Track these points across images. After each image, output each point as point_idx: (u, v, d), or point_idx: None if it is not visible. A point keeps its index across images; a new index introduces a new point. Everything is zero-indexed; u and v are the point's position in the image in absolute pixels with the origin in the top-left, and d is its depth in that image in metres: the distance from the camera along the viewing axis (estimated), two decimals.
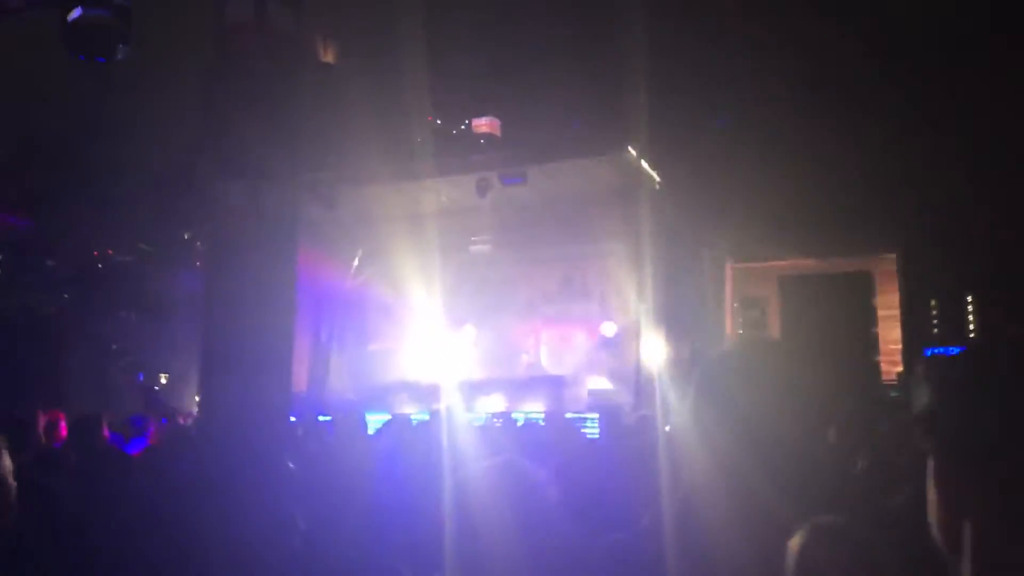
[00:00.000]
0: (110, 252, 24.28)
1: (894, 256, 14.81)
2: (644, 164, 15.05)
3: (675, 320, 15.88)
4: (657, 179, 15.60)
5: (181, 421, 11.48)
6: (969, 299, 16.20)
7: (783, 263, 16.93)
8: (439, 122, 21.07)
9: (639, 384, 15.16)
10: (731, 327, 17.46)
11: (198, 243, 22.32)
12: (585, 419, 12.98)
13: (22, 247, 20.61)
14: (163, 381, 23.34)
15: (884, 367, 13.92)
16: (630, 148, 14.69)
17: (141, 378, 20.00)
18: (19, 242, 20.64)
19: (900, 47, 11.29)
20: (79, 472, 5.27)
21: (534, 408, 14.33)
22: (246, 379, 7.64)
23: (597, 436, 13.02)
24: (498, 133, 19.96)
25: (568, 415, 13.19)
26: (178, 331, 20.94)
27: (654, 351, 15.31)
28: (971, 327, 15.97)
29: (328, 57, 16.92)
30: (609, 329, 17.46)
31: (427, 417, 13.24)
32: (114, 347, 22.56)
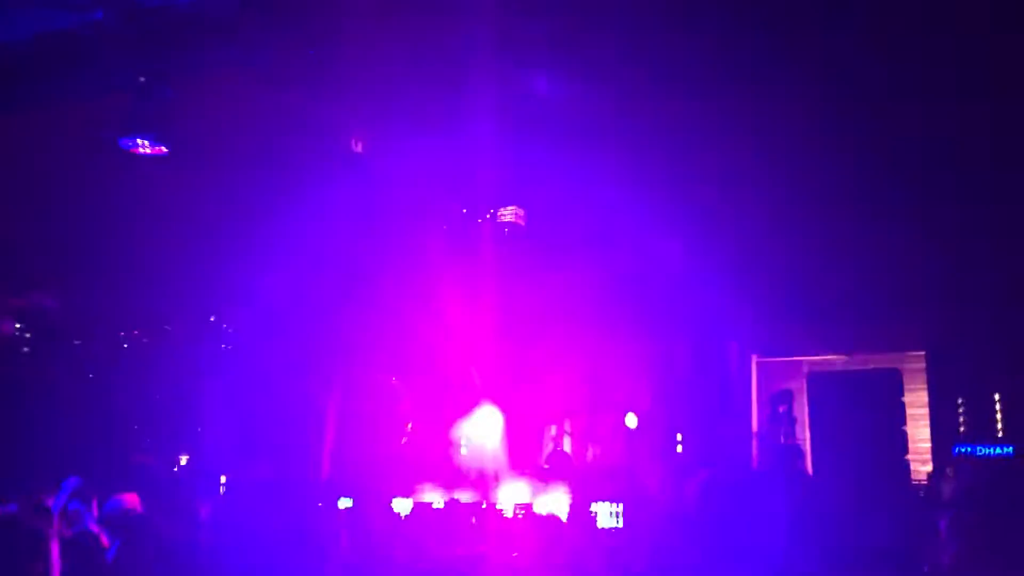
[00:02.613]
0: (136, 333, 24.46)
1: (922, 354, 14.77)
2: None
3: (700, 412, 15.83)
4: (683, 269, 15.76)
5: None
6: (997, 397, 16.08)
7: (810, 358, 16.92)
8: (465, 211, 21.30)
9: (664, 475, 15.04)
10: (756, 422, 17.34)
11: (224, 326, 22.46)
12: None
13: (50, 326, 20.86)
14: (183, 463, 23.27)
15: (912, 466, 13.75)
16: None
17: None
18: (47, 321, 20.89)
19: (929, 148, 11.51)
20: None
21: (557, 500, 14.17)
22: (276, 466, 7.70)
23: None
24: (524, 223, 20.27)
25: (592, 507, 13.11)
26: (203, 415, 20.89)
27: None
28: (999, 426, 15.83)
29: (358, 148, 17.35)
30: (632, 421, 17.38)
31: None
32: (135, 428, 22.54)
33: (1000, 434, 16.45)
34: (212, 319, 22.62)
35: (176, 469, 21.17)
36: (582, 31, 9.24)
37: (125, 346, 23.39)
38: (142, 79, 7.96)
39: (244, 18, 7.32)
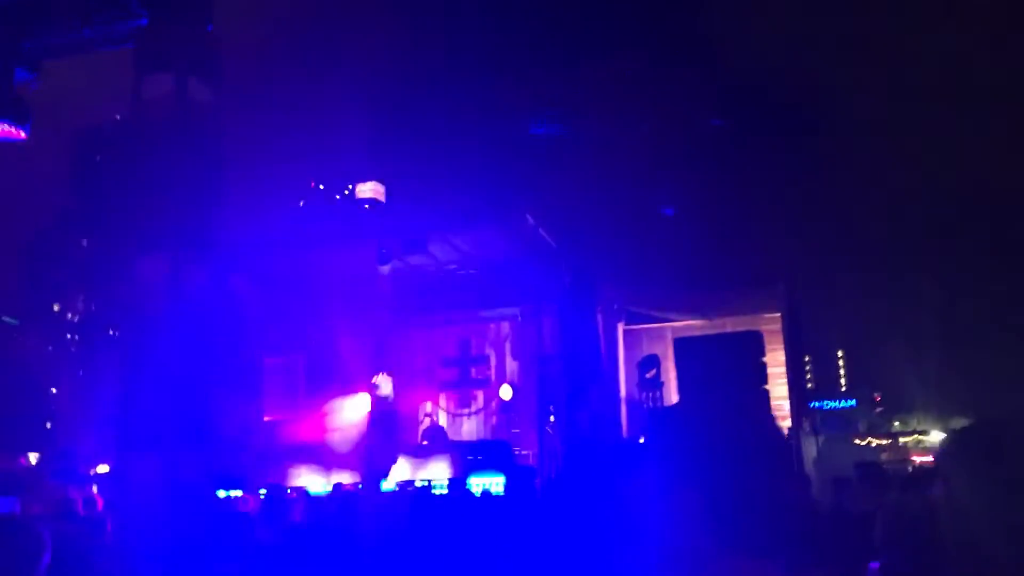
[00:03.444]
0: None
1: (778, 315, 15.66)
2: (541, 231, 15.48)
3: (571, 382, 16.20)
4: (553, 244, 16.06)
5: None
6: (840, 354, 17.17)
7: (674, 324, 17.64)
8: (321, 187, 21.08)
9: (542, 445, 15.38)
10: (624, 387, 17.96)
11: (68, 315, 21.36)
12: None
13: None
14: (32, 461, 22.07)
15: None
16: (527, 215, 15.11)
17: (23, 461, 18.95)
18: None
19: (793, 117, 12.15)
20: None
21: (438, 474, 14.27)
22: (164, 458, 7.49)
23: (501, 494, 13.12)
24: (383, 199, 20.16)
25: (470, 480, 13.26)
26: (54, 406, 19.93)
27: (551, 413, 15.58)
28: (842, 380, 16.90)
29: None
30: (507, 392, 17.69)
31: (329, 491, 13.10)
32: None
33: (843, 389, 17.59)
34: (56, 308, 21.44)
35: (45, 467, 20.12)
36: None
37: None
38: None
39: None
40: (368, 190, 20.25)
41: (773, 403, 14.52)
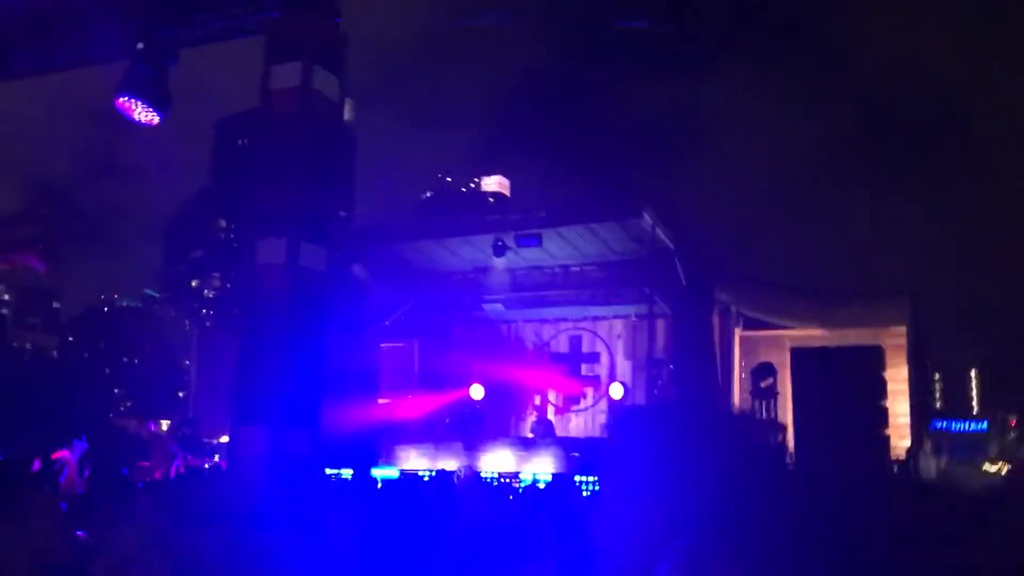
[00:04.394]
0: (115, 296, 24.42)
1: (903, 330, 15.00)
2: (659, 230, 15.30)
3: (685, 384, 15.99)
4: (671, 244, 15.85)
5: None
6: (973, 374, 16.32)
7: (792, 332, 17.13)
8: (449, 179, 21.19)
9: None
10: (739, 393, 17.57)
11: (205, 291, 22.35)
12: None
13: (31, 289, 20.74)
14: (164, 428, 23.31)
15: (892, 440, 14.00)
16: (645, 214, 14.95)
17: (152, 427, 20.00)
18: (28, 284, 20.76)
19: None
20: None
21: (542, 468, 14.35)
22: (275, 431, 7.78)
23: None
24: (507, 192, 20.29)
25: (577, 477, 13.25)
26: (187, 377, 20.90)
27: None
28: (974, 402, 16.06)
29: (349, 115, 17.36)
30: (617, 391, 17.58)
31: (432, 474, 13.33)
32: (116, 391, 22.58)
33: (975, 409, 16.73)
34: (194, 284, 22.56)
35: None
36: None
37: (105, 310, 23.35)
38: (140, 45, 7.94)
39: None
40: (493, 183, 20.41)
41: (894, 420, 13.97)
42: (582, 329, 19.16)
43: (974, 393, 30.31)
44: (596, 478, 12.71)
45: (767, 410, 15.91)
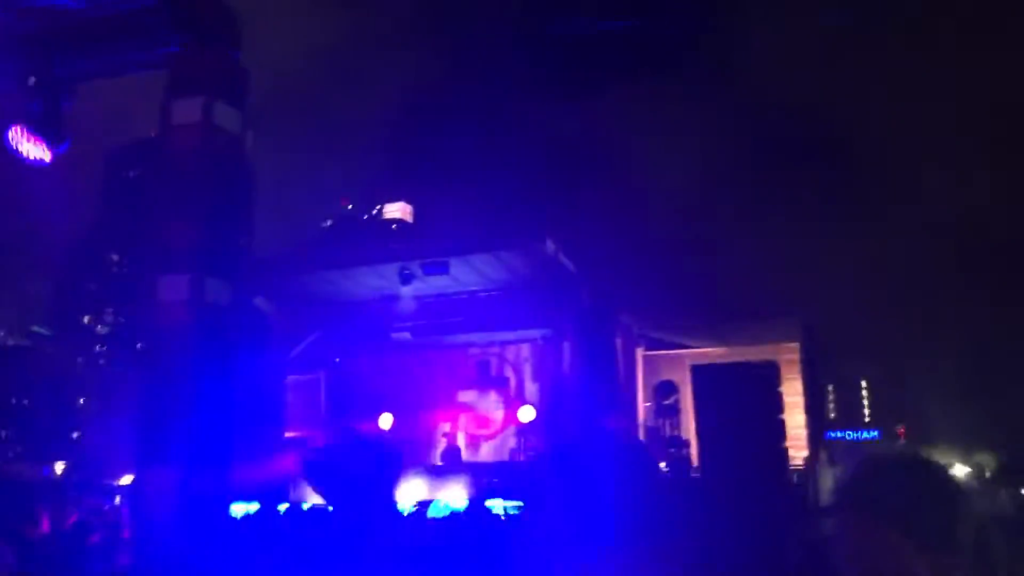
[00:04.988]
0: (1, 334, 23.53)
1: (796, 345, 15.66)
2: (561, 256, 15.62)
3: (589, 405, 16.27)
4: (573, 269, 16.19)
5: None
6: (864, 385, 17.14)
7: (692, 351, 17.68)
8: (350, 206, 21.10)
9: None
10: (643, 412, 18.00)
11: (98, 327, 21.68)
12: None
13: None
14: (58, 470, 22.39)
15: (790, 451, 14.54)
16: (548, 240, 15.26)
17: (46, 471, 19.20)
18: None
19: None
20: None
21: (454, 496, 14.39)
22: (182, 471, 7.66)
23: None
24: (410, 219, 20.35)
25: (488, 503, 13.35)
26: (81, 417, 20.19)
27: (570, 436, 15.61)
28: (866, 412, 16.86)
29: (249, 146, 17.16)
30: (527, 415, 17.78)
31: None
32: (3, 434, 21.68)
33: (868, 419, 17.53)
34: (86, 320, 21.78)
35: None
36: None
37: None
38: (32, 80, 7.75)
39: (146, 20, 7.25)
40: (396, 210, 20.39)
41: (791, 432, 14.53)
42: (490, 354, 19.33)
43: (866, 403, 31.70)
44: (515, 503, 12.83)
45: (671, 427, 16.38)
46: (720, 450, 11.30)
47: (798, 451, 14.75)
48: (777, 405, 12.37)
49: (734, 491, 10.24)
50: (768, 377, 12.21)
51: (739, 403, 12.03)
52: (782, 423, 12.42)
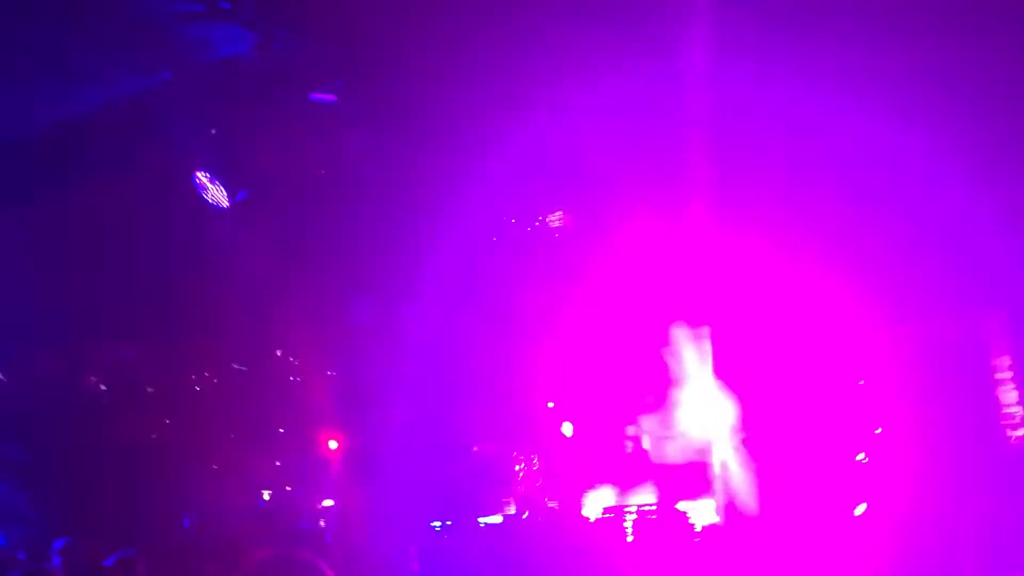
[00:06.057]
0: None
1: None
2: None
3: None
4: None
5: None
6: None
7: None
8: (513, 220, 20.98)
9: None
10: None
11: (291, 359, 22.61)
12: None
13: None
14: (266, 497, 23.60)
15: None
16: None
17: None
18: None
19: None
20: None
21: (646, 499, 14.20)
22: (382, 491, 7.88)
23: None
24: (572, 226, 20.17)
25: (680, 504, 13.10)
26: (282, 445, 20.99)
27: None
28: None
29: None
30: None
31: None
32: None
33: None
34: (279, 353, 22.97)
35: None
36: None
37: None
38: (213, 131, 8.24)
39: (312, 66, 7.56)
40: (558, 219, 20.41)
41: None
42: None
43: None
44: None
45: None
46: None
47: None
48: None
49: None
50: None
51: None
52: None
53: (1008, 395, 14.20)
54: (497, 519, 13.91)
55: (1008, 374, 14.20)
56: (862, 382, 15.39)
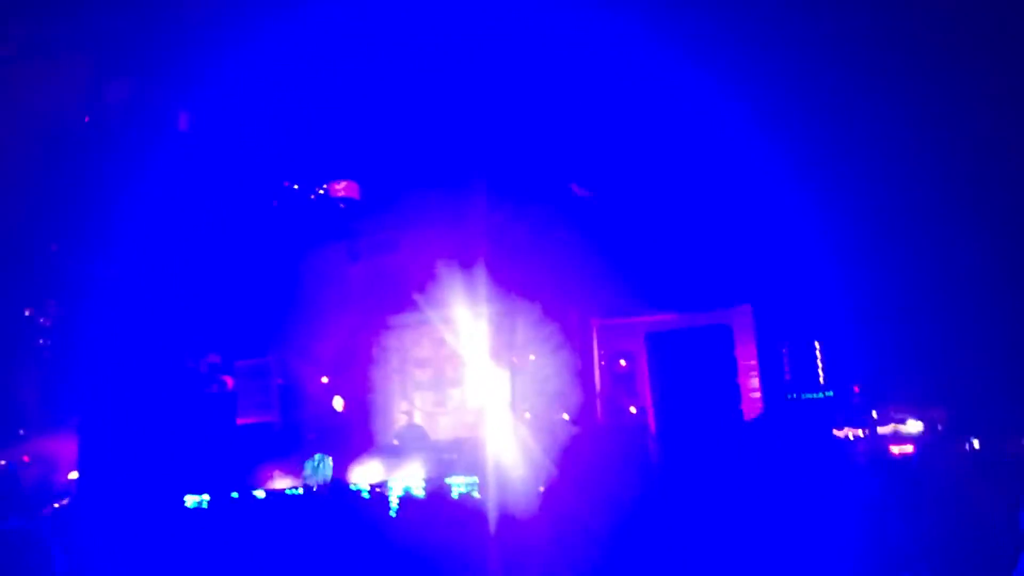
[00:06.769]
0: None
1: (749, 307, 15.68)
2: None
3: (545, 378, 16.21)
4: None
5: None
6: (817, 346, 17.28)
7: (647, 319, 17.62)
8: (296, 186, 20.58)
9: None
10: (599, 382, 17.92)
11: (41, 320, 21.13)
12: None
13: None
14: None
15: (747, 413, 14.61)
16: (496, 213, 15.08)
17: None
18: None
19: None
20: None
21: (414, 476, 14.21)
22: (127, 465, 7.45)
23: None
24: (357, 196, 19.96)
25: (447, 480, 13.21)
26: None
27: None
28: (820, 373, 17.05)
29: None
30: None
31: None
32: None
33: (822, 381, 17.68)
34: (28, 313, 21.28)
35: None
36: None
37: None
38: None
39: None
40: (342, 188, 19.93)
41: (750, 395, 14.63)
42: (443, 331, 19.03)
43: (819, 364, 31.87)
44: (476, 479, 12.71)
45: (629, 394, 16.35)
46: (677, 414, 11.35)
47: (755, 413, 14.82)
48: (732, 368, 12.46)
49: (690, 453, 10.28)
50: (722, 340, 12.27)
51: (693, 367, 12.09)
52: (738, 386, 12.52)
53: (751, 380, 15.55)
54: (261, 494, 13.51)
55: (752, 361, 15.55)
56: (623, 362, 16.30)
